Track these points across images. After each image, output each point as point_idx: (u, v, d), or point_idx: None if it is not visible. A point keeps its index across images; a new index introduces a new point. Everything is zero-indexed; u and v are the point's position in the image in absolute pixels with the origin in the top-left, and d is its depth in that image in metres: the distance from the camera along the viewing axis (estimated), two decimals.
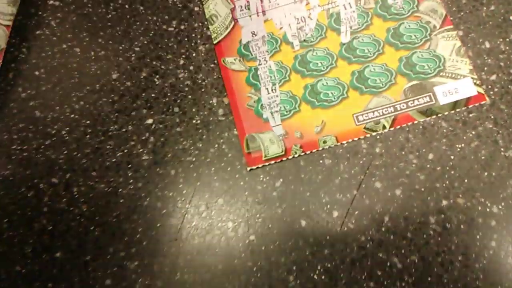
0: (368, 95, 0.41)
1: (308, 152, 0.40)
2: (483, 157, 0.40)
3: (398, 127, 0.40)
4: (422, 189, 0.39)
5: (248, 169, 0.40)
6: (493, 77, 0.42)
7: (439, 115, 0.40)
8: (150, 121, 0.42)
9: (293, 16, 0.44)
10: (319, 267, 0.38)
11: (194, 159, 0.41)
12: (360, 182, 0.40)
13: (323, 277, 0.38)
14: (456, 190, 0.39)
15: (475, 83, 0.41)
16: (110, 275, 0.38)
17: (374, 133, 0.40)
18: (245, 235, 0.39)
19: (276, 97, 0.42)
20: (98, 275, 0.39)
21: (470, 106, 0.40)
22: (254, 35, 0.44)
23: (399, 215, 0.39)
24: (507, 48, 0.43)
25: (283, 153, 0.40)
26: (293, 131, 0.41)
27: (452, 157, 0.40)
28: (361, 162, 0.40)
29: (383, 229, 0.38)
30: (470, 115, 0.41)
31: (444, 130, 0.40)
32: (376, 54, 0.42)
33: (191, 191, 0.40)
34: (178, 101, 0.43)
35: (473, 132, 0.40)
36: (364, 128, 0.40)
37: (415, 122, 0.40)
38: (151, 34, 0.45)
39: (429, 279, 0.37)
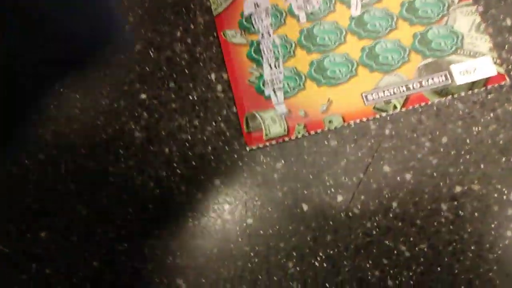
0: (378, 73, 0.39)
1: (312, 133, 0.38)
2: (501, 142, 0.38)
3: (411, 107, 0.38)
4: (435, 174, 0.37)
5: (248, 149, 0.38)
6: None
7: (455, 95, 0.38)
8: (143, 96, 0.40)
9: None
10: (321, 254, 0.36)
11: (190, 137, 0.39)
12: (367, 165, 0.38)
13: (325, 264, 0.36)
14: (471, 176, 0.37)
15: (495, 62, 0.38)
16: (98, 257, 0.37)
17: (384, 114, 0.38)
18: (243, 218, 0.37)
19: (280, 74, 0.40)
20: (85, 256, 0.37)
21: (489, 87, 0.38)
22: (257, 7, 0.42)
23: (408, 201, 0.37)
24: None
25: (286, 132, 0.38)
26: (297, 109, 0.39)
27: (467, 140, 0.38)
28: (369, 144, 0.38)
29: (390, 215, 0.37)
30: (489, 96, 0.39)
31: (460, 112, 0.39)
32: (389, 29, 0.40)
33: (186, 171, 0.38)
34: (174, 75, 0.41)
35: (491, 115, 0.38)
36: (374, 108, 0.38)
37: (429, 102, 0.38)
38: (146, 4, 0.43)
39: (438, 269, 0.36)
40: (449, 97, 0.39)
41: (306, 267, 0.37)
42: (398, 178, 0.38)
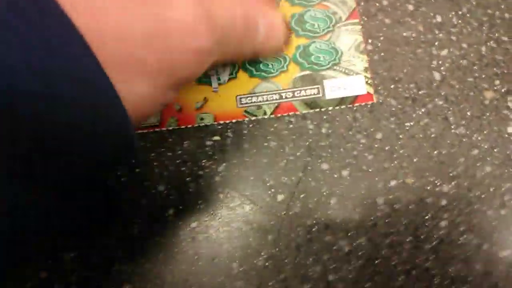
0: (256, 79, 0.41)
1: (183, 127, 0.41)
2: (432, 135, 0.40)
3: (279, 115, 0.40)
4: (370, 170, 0.39)
5: None
6: None
7: (323, 109, 0.40)
8: None
9: None
10: (263, 254, 0.38)
11: None
12: (305, 164, 0.40)
13: (267, 264, 0.38)
14: (405, 169, 0.39)
15: (366, 82, 0.40)
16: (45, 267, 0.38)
17: (253, 118, 0.40)
18: (186, 223, 0.39)
19: None
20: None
21: (355, 105, 0.40)
22: None
23: (345, 196, 0.39)
24: None
25: (158, 123, 0.41)
26: (173, 103, 0.41)
27: (401, 136, 0.40)
28: (306, 143, 0.40)
29: (329, 212, 0.38)
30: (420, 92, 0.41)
31: (393, 109, 0.41)
32: None
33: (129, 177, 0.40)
34: None
35: (423, 110, 0.41)
36: (245, 111, 0.40)
37: (297, 112, 0.40)
38: None
39: (377, 261, 0.38)
40: (317, 109, 0.40)
41: (249, 267, 0.38)
42: (335, 175, 0.40)
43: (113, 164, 0.27)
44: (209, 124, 0.41)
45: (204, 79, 0.41)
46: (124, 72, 0.22)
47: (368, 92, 0.41)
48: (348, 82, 0.41)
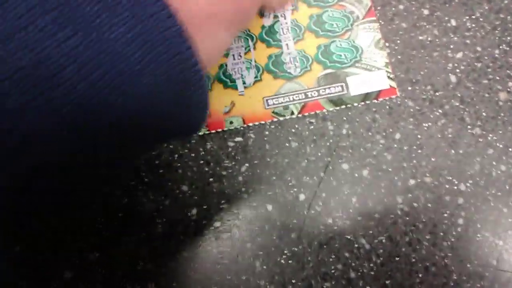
0: (281, 80, 0.42)
1: (213, 131, 0.41)
2: (450, 135, 0.41)
3: (306, 114, 0.41)
4: (390, 169, 0.40)
5: None
6: None
7: (349, 105, 0.41)
8: None
9: None
10: (286, 251, 0.39)
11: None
12: (327, 164, 0.41)
13: (290, 261, 0.39)
14: (423, 169, 0.40)
15: (388, 77, 0.42)
16: (70, 268, 0.39)
17: (281, 118, 0.41)
18: (210, 222, 0.40)
19: None
20: (57, 268, 0.39)
21: (380, 100, 0.41)
22: None
23: (366, 195, 0.40)
24: None
25: None
26: None
27: (419, 136, 0.41)
28: (327, 144, 0.41)
29: (350, 210, 0.39)
30: (436, 93, 0.42)
31: (411, 110, 0.42)
32: (296, 39, 0.43)
33: (153, 178, 0.41)
34: None
35: (440, 111, 0.42)
36: (273, 112, 0.41)
37: (324, 110, 0.41)
38: None
39: (397, 259, 0.39)
40: (343, 106, 0.41)
41: (273, 265, 0.39)
42: (356, 174, 0.41)
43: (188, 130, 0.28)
44: (239, 127, 0.41)
45: (230, 83, 0.42)
46: (206, 26, 0.23)
47: (391, 86, 0.42)
48: (371, 77, 0.42)
